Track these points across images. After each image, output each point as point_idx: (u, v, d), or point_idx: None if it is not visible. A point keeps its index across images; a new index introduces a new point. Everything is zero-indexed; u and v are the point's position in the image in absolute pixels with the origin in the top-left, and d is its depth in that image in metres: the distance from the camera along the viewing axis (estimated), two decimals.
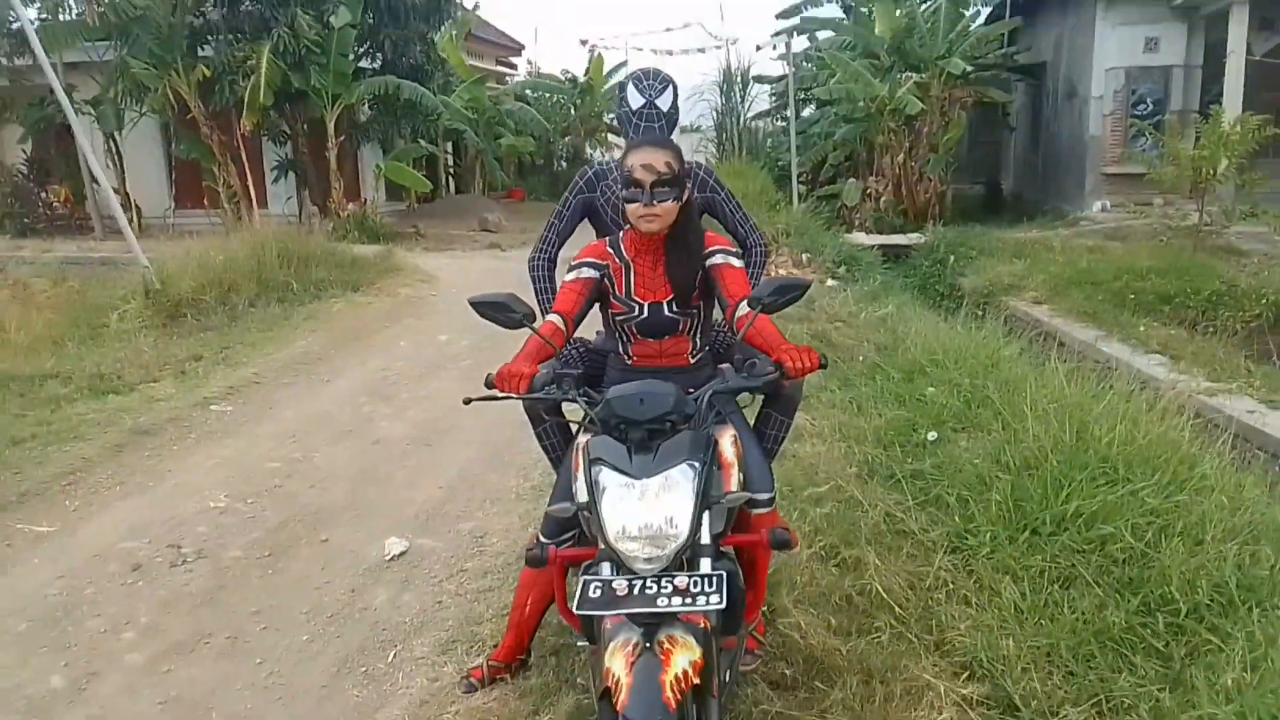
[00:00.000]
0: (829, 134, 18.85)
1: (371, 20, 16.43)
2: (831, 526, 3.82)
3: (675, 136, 3.15)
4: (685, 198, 2.61)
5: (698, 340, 2.80)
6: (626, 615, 2.03)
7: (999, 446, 4.24)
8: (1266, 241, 12.60)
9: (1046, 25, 19.52)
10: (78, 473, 5.04)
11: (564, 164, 27.05)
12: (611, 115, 26.34)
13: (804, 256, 11.57)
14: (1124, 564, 3.24)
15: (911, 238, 15.44)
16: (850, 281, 10.72)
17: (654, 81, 3.10)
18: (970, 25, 18.37)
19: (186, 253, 10.76)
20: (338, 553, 4.05)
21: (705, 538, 2.16)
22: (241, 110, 15.28)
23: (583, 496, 2.21)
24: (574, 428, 2.89)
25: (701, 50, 33.60)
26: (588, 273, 2.68)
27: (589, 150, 27.54)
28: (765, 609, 3.08)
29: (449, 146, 23.66)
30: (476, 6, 22.62)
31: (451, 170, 24.78)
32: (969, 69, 16.47)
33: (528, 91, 25.54)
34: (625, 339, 2.78)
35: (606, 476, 2.13)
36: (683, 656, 1.95)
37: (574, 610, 2.05)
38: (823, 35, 20.65)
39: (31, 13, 16.38)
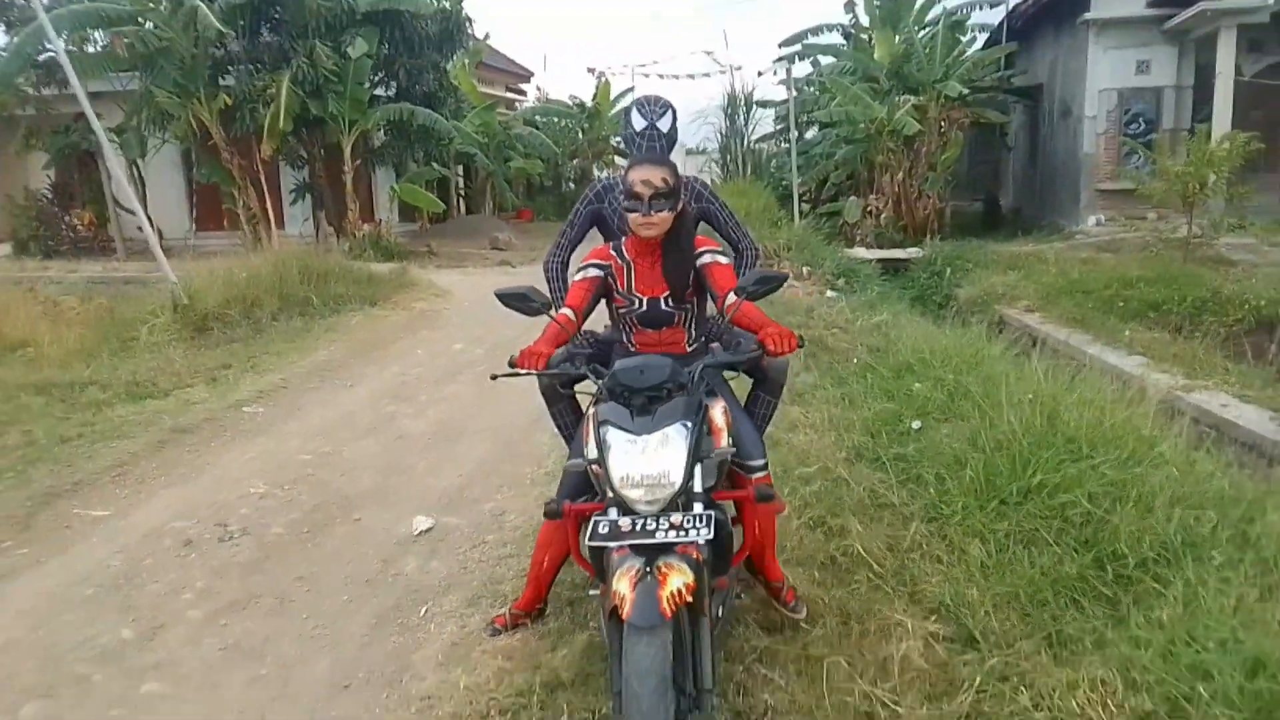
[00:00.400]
0: (830, 154, 19.34)
1: (387, 50, 16.96)
2: (819, 501, 4.20)
3: (680, 157, 3.58)
4: (679, 208, 3.01)
5: (692, 331, 3.20)
6: (630, 547, 2.41)
7: (976, 431, 4.61)
8: (1255, 252, 12.97)
9: (1042, 49, 19.99)
10: (125, 466, 5.45)
11: (571, 185, 27.68)
12: (618, 139, 26.94)
13: (804, 269, 11.96)
14: (1081, 526, 3.60)
15: (910, 252, 15.86)
16: (849, 292, 11.10)
17: (655, 107, 3.51)
18: (967, 50, 18.91)
19: (210, 271, 11.19)
20: (369, 530, 4.44)
21: (697, 486, 2.54)
22: (261, 136, 15.78)
23: (593, 453, 2.61)
24: (584, 407, 3.28)
25: (707, 75, 34.29)
26: (594, 272, 3.09)
27: (596, 172, 28.10)
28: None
29: (460, 169, 24.20)
30: (487, 36, 23.25)
31: (462, 192, 25.32)
32: (965, 91, 16.95)
33: (537, 117, 26.18)
34: (628, 330, 3.19)
35: (613, 435, 2.53)
36: (677, 578, 2.32)
37: (586, 542, 2.45)
38: (825, 60, 21.18)
39: (59, 44, 17.07)
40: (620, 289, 3.10)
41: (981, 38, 20.59)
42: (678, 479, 2.46)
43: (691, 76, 39.23)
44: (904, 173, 17.35)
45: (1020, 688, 2.74)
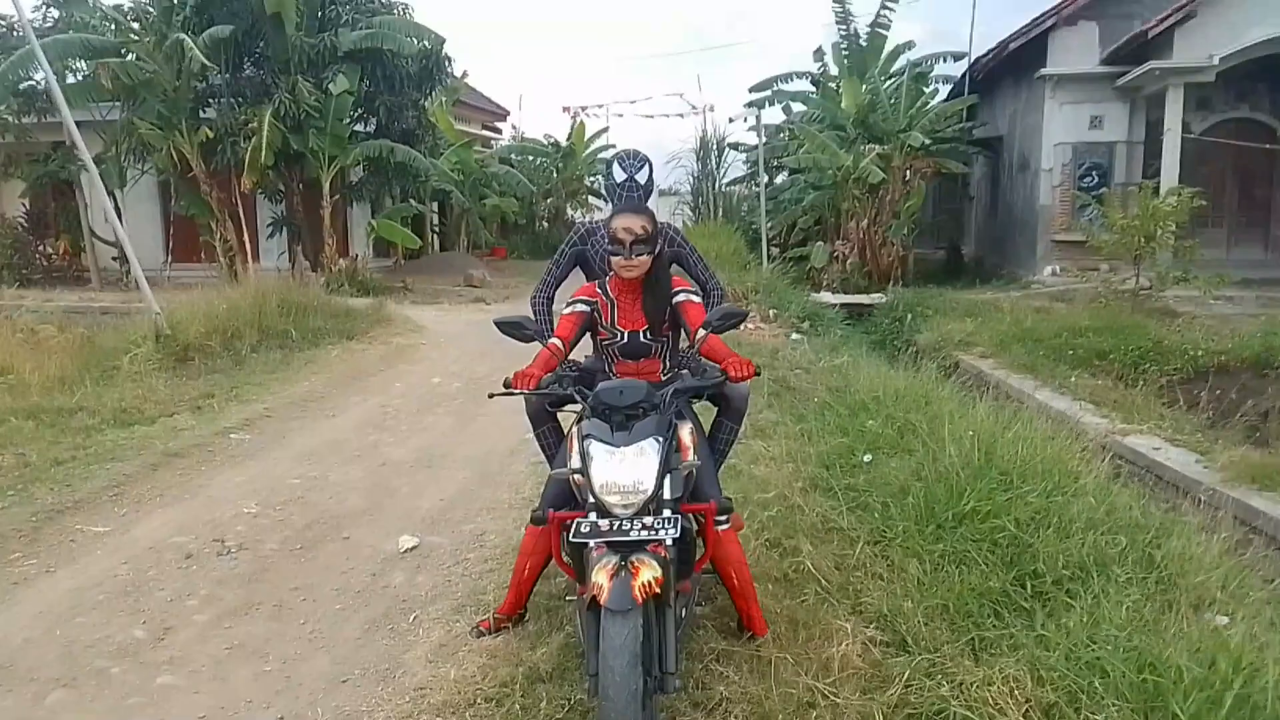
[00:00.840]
0: (799, 199, 19.98)
1: (368, 87, 17.39)
2: (775, 524, 4.60)
3: (653, 201, 3.99)
4: (657, 251, 3.43)
5: (667, 362, 3.63)
6: (607, 544, 2.80)
7: (920, 464, 5.04)
8: (1199, 304, 13.64)
9: (1002, 102, 20.86)
10: (120, 486, 5.73)
11: (545, 224, 28.16)
12: (592, 178, 27.55)
13: (771, 312, 12.44)
14: (1007, 547, 4.02)
15: (873, 297, 16.46)
16: (813, 335, 11.59)
17: (634, 161, 3.94)
18: (930, 101, 19.68)
19: (190, 302, 11.45)
20: (358, 546, 4.77)
21: (666, 494, 2.93)
22: (241, 169, 16.08)
23: (576, 463, 2.99)
24: (565, 430, 3.67)
25: (681, 115, 35.13)
26: (581, 307, 3.51)
27: (570, 211, 28.66)
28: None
29: (434, 206, 24.59)
30: (465, 74, 23.71)
31: (437, 229, 25.69)
32: (928, 142, 17.65)
33: (512, 155, 26.67)
34: (610, 360, 3.60)
35: (595, 447, 2.92)
36: (648, 572, 2.70)
37: (570, 539, 2.82)
38: (796, 107, 21.89)
39: (38, 75, 17.35)
40: (604, 323, 3.51)
41: (945, 89, 21.43)
42: (650, 486, 2.85)
43: (666, 116, 39.99)
44: (869, 220, 18.00)
45: (943, 683, 3.12)
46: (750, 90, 21.84)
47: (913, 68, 19.79)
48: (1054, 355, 10.88)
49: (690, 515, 3.19)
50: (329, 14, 16.91)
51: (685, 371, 3.64)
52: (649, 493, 2.84)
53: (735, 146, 25.23)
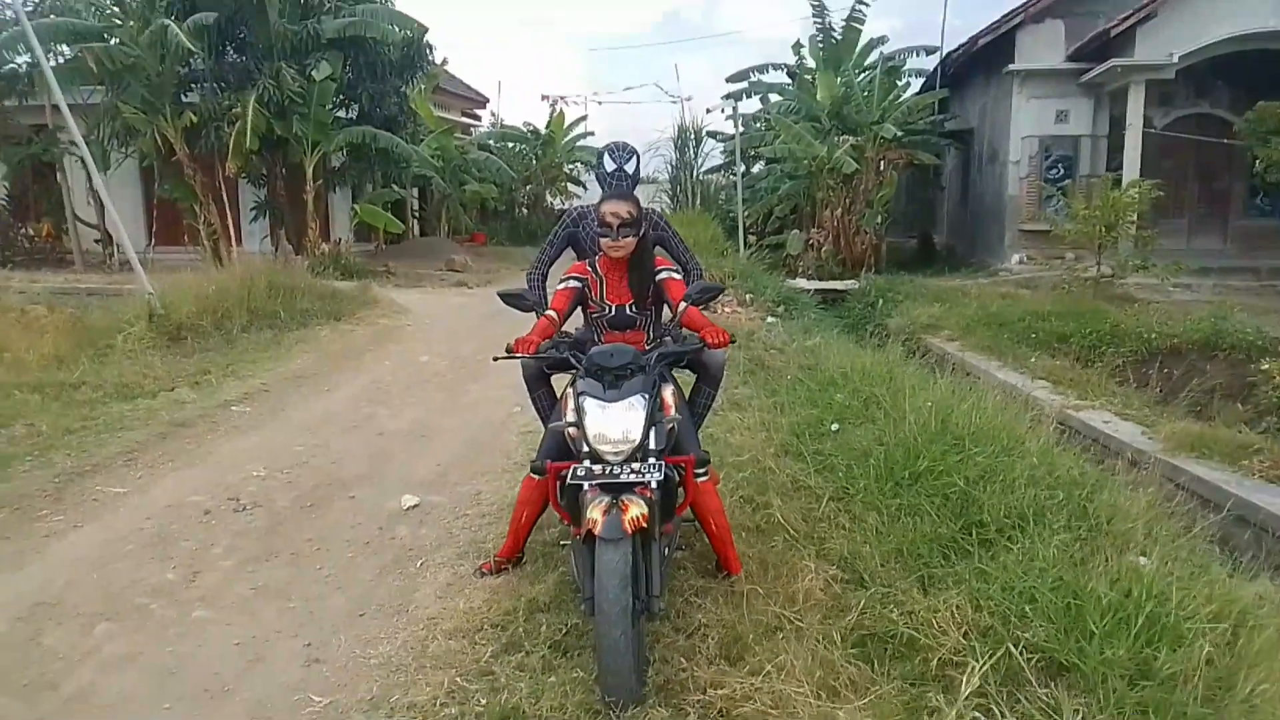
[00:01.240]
0: (775, 189, 20.40)
1: (351, 74, 17.62)
2: (749, 484, 5.02)
3: (638, 189, 4.39)
4: (642, 234, 3.84)
5: (651, 333, 4.06)
6: (600, 486, 3.20)
7: (882, 431, 5.48)
8: (1158, 291, 14.22)
9: (973, 96, 21.38)
10: (133, 453, 6.07)
11: (525, 211, 28.42)
12: (571, 165, 27.86)
13: (748, 297, 12.86)
14: (956, 501, 4.46)
15: (847, 284, 16.95)
16: (788, 319, 12.02)
17: (623, 152, 4.33)
18: (902, 94, 20.15)
19: (178, 284, 11.71)
20: (364, 505, 5.16)
21: (652, 445, 3.34)
22: (225, 154, 16.29)
23: (571, 417, 3.39)
24: (558, 394, 4.08)
25: (657, 103, 35.50)
26: (573, 283, 3.94)
27: (549, 198, 28.93)
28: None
29: (415, 191, 24.81)
30: (445, 61, 23.92)
31: (418, 214, 25.91)
32: (900, 134, 18.12)
33: (491, 142, 26.88)
34: (599, 331, 4.02)
35: (589, 403, 3.32)
36: (636, 509, 3.11)
37: (568, 482, 3.22)
38: (773, 97, 22.30)
39: (19, 58, 17.47)
40: (594, 297, 3.94)
41: (917, 83, 21.91)
42: (637, 436, 3.26)
43: (642, 102, 40.29)
44: (843, 209, 18.45)
45: (894, 610, 3.55)
46: (727, 80, 22.27)
47: (886, 61, 20.28)
48: (1017, 338, 11.41)
49: (673, 466, 3.60)
50: (312, 1, 17.10)
51: (668, 339, 4.05)
52: (636, 442, 3.25)
53: (713, 135, 25.61)
